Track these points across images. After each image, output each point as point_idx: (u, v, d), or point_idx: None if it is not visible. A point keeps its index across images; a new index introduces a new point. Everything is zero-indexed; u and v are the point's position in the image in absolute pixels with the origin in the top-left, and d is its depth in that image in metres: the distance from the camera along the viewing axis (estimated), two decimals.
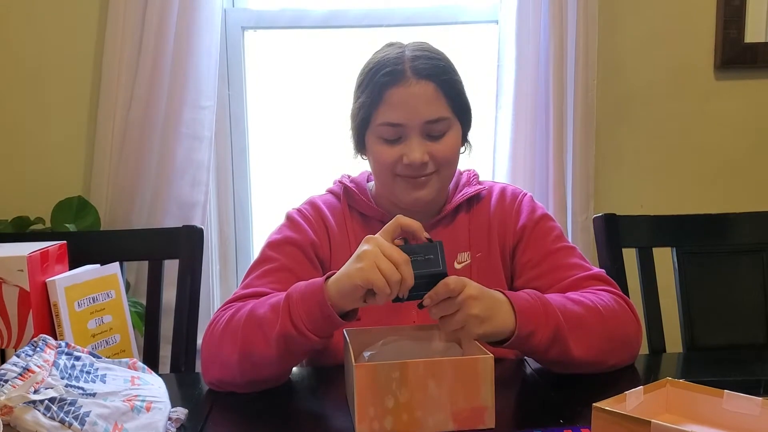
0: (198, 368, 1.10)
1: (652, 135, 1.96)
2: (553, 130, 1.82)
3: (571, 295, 1.08)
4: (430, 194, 1.15)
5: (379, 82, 1.11)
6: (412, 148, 1.11)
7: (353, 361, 0.93)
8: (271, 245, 1.17)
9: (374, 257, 0.90)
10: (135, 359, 1.00)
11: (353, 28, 1.96)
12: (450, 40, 1.94)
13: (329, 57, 1.98)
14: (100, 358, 0.96)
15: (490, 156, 1.89)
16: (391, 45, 1.17)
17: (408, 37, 1.23)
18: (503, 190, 1.25)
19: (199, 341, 1.14)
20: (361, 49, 1.89)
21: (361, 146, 1.19)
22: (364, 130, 1.16)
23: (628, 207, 1.87)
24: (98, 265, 1.22)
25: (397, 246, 0.94)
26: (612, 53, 1.91)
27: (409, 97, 1.10)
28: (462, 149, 1.19)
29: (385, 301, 0.92)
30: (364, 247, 0.93)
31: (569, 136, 1.82)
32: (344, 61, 1.94)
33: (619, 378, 1.07)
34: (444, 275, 0.93)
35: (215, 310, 1.25)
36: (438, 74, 1.11)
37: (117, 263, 1.24)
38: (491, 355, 0.91)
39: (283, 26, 1.97)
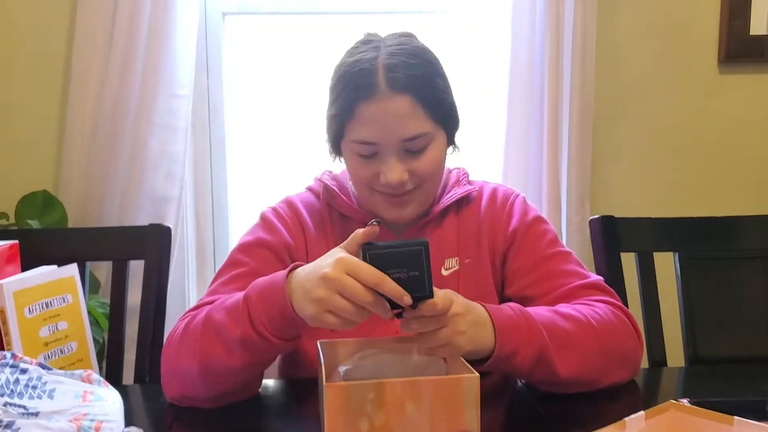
0: None
1: (652, 131, 1.93)
2: (547, 126, 1.77)
3: (562, 308, 1.01)
4: (413, 213, 1.09)
5: (350, 96, 1.02)
6: (390, 168, 1.03)
7: (325, 379, 0.86)
8: (242, 247, 1.11)
9: (327, 303, 0.80)
10: (90, 371, 0.93)
11: (339, 14, 1.91)
12: (438, 29, 1.89)
13: (314, 44, 1.93)
14: (51, 370, 0.90)
15: (480, 153, 1.84)
16: (367, 42, 1.06)
17: (394, 25, 1.15)
18: (494, 191, 1.18)
19: None
20: (344, 36, 1.84)
21: (337, 151, 1.11)
22: (339, 140, 1.08)
23: (626, 207, 1.88)
24: (55, 267, 1.14)
25: (377, 249, 0.82)
26: (611, 44, 1.87)
27: (382, 114, 1.00)
28: (449, 150, 1.11)
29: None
30: (319, 291, 0.81)
31: (565, 131, 1.78)
32: (329, 49, 1.88)
33: (618, 395, 1.01)
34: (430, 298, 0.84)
35: None
36: (416, 85, 1.01)
37: (75, 265, 1.16)
38: (477, 374, 0.84)
39: (266, 11, 1.91)
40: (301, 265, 0.89)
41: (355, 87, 1.01)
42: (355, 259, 0.82)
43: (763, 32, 1.86)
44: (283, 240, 1.10)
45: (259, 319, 0.88)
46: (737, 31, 1.85)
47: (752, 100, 1.92)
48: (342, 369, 0.92)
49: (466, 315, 0.88)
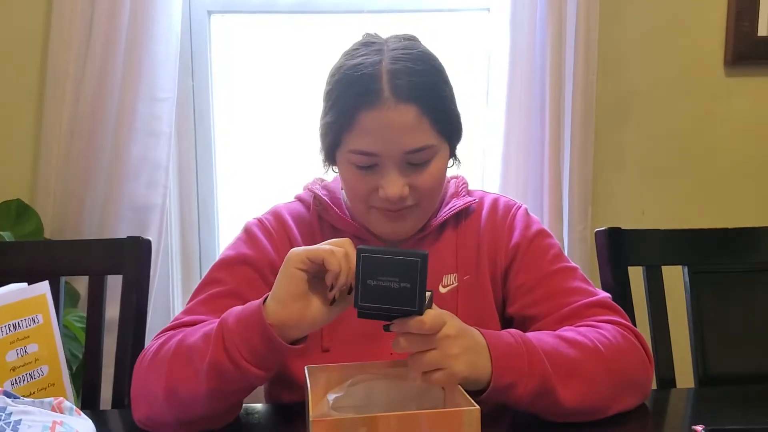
0: None
1: (656, 136, 1.89)
2: (548, 130, 1.73)
3: (566, 332, 0.95)
4: (410, 229, 1.04)
5: (350, 103, 0.95)
6: (390, 182, 0.96)
7: (311, 409, 0.81)
8: (222, 264, 1.04)
9: (310, 250, 0.84)
10: (61, 399, 0.86)
11: (331, 13, 1.86)
12: (436, 29, 1.85)
13: (304, 44, 1.88)
14: (18, 398, 0.83)
15: (479, 158, 1.79)
16: (368, 44, 0.99)
17: (390, 25, 1.08)
18: (495, 202, 1.11)
19: None
20: (339, 37, 1.81)
21: (332, 160, 1.04)
22: (334, 149, 1.01)
23: (629, 214, 1.87)
24: (24, 285, 1.06)
25: (371, 252, 0.79)
26: (614, 46, 1.84)
27: (386, 124, 0.94)
28: (450, 164, 1.05)
29: (336, 279, 0.82)
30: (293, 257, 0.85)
31: (566, 136, 1.74)
32: (321, 49, 1.84)
33: (627, 420, 0.95)
34: (419, 314, 0.80)
35: None
36: (422, 95, 0.94)
37: (46, 282, 1.08)
38: (477, 406, 0.78)
39: (254, 10, 1.86)
40: None
41: (356, 93, 0.94)
42: None
43: None
44: (267, 257, 1.04)
45: (234, 343, 0.83)
46: (744, 32, 1.81)
47: (760, 103, 1.89)
48: (331, 397, 0.87)
49: (458, 338, 0.83)
